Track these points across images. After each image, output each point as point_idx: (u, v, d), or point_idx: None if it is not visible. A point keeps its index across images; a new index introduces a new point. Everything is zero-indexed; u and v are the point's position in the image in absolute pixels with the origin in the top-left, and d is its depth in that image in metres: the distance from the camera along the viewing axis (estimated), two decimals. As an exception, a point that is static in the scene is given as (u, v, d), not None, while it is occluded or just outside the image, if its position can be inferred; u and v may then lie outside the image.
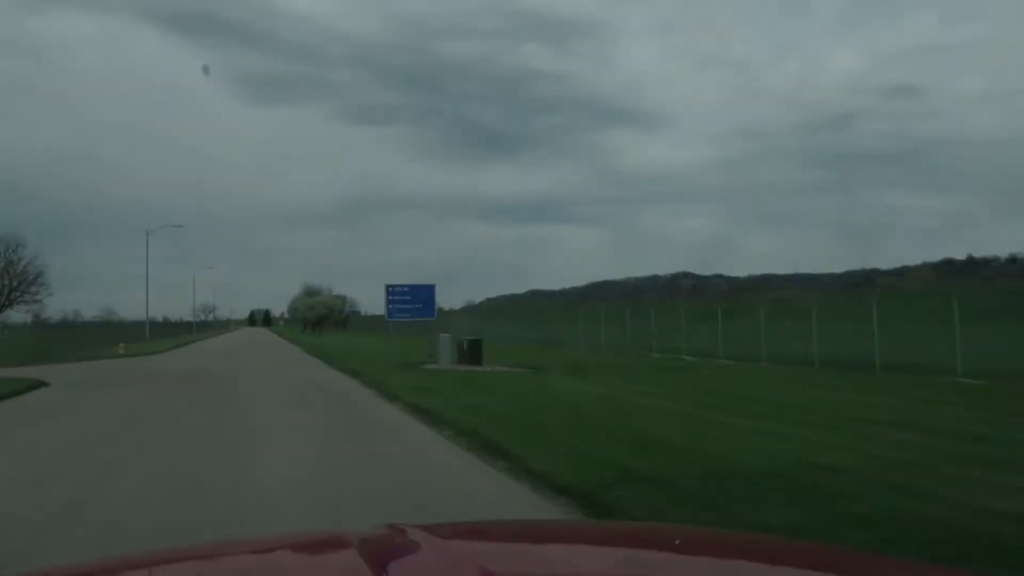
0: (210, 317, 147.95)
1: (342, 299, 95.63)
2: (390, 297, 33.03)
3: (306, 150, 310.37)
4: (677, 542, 2.04)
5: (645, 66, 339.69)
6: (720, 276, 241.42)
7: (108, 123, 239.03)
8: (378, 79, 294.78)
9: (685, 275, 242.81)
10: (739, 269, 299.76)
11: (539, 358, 30.87)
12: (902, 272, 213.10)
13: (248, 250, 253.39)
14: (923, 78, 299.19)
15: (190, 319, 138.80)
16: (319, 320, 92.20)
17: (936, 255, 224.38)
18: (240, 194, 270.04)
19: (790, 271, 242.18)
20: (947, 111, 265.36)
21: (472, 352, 26.15)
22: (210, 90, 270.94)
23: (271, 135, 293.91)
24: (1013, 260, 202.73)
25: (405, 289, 33.30)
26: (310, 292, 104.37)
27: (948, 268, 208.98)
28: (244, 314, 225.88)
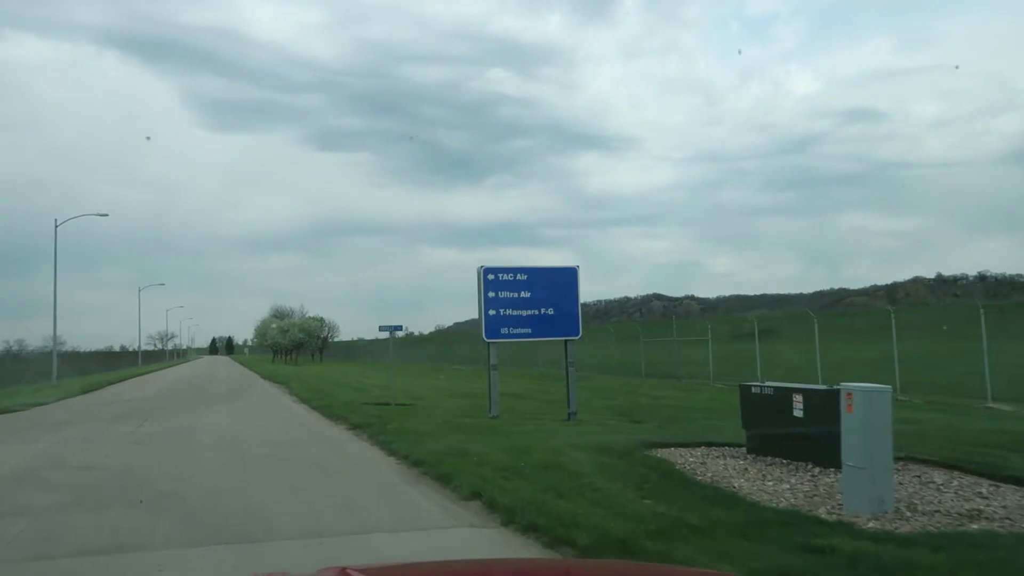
0: (168, 345, 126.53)
1: (320, 321, 75.97)
2: (490, 293, 15.05)
3: (271, 176, 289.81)
4: None
5: (611, 90, 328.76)
6: (691, 297, 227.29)
7: (66, 148, 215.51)
8: (345, 105, 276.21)
9: (656, 297, 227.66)
10: (709, 291, 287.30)
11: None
12: (872, 292, 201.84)
13: (210, 277, 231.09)
14: (882, 102, 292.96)
15: (148, 347, 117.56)
16: (295, 346, 72.35)
17: (903, 275, 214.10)
18: (201, 220, 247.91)
19: (759, 292, 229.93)
20: (906, 134, 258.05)
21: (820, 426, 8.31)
22: (174, 116, 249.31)
23: (235, 161, 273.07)
24: (982, 278, 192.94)
25: (521, 279, 15.31)
26: (279, 315, 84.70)
27: (921, 285, 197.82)
28: (206, 342, 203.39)
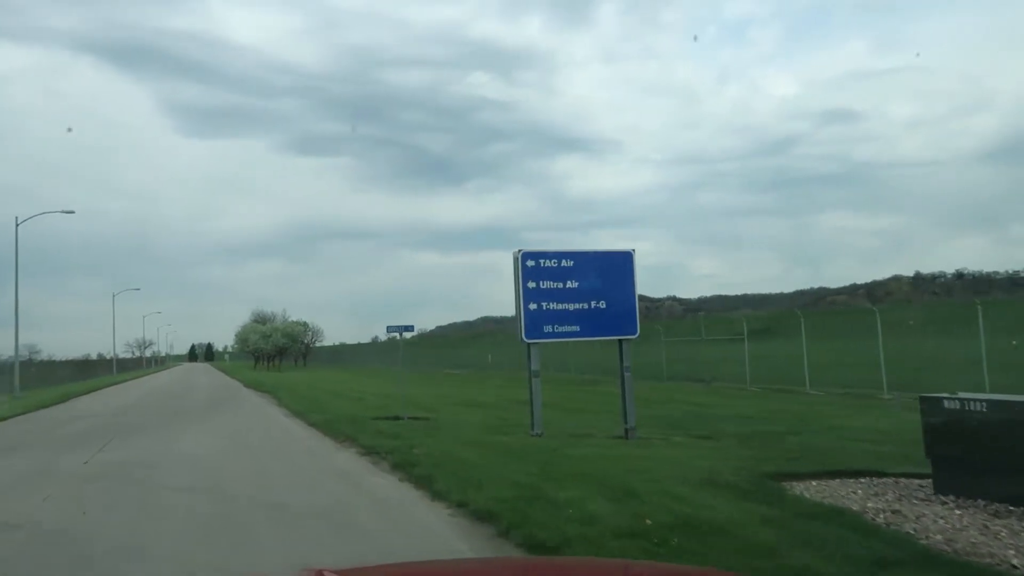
0: (146, 352, 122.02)
1: (304, 325, 72.47)
2: (530, 284, 12.16)
3: (251, 182, 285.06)
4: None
5: (591, 94, 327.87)
6: (674, 298, 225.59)
7: (41, 156, 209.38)
8: (324, 110, 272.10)
9: (639, 298, 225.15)
10: (690, 291, 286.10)
11: None
12: (852, 291, 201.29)
13: (189, 283, 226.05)
14: (858, 103, 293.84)
15: (125, 355, 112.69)
16: (278, 352, 68.81)
17: (882, 273, 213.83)
18: (181, 227, 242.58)
19: (740, 292, 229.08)
20: (882, 134, 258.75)
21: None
22: (150, 123, 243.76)
23: (215, 167, 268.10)
24: (959, 275, 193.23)
25: (567, 265, 12.35)
26: (261, 319, 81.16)
27: (905, 283, 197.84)
28: (185, 349, 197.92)
